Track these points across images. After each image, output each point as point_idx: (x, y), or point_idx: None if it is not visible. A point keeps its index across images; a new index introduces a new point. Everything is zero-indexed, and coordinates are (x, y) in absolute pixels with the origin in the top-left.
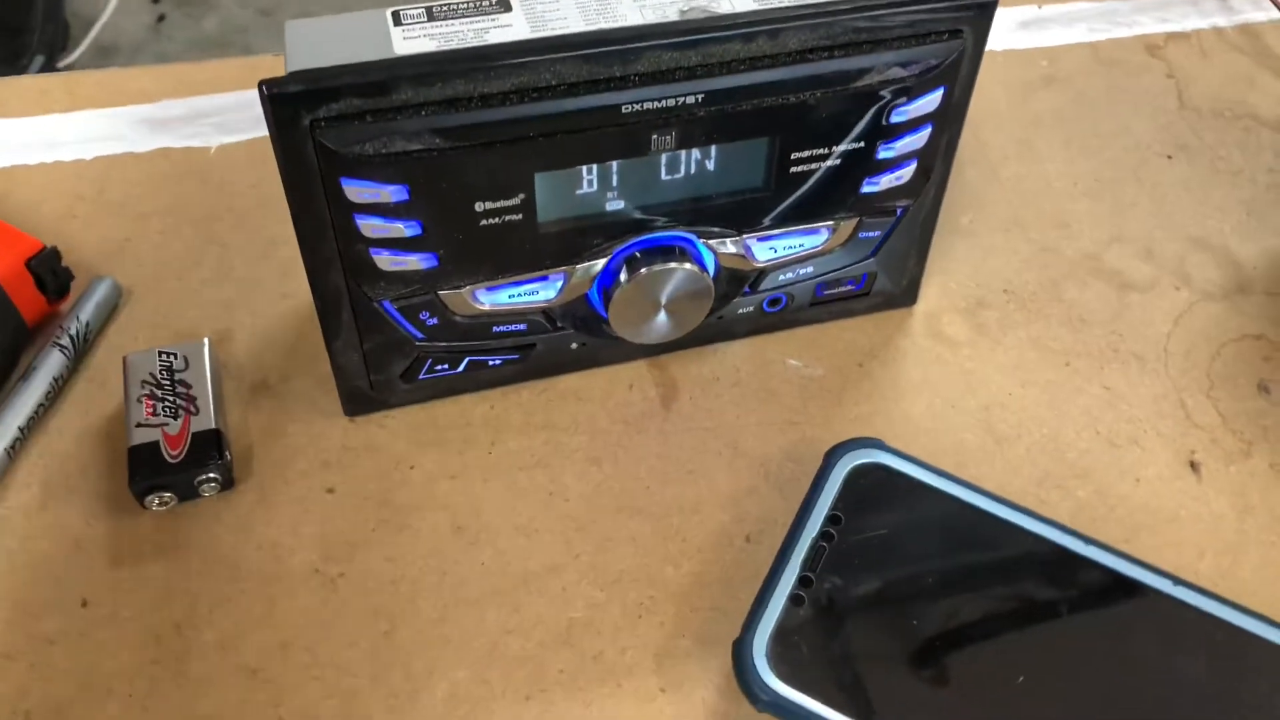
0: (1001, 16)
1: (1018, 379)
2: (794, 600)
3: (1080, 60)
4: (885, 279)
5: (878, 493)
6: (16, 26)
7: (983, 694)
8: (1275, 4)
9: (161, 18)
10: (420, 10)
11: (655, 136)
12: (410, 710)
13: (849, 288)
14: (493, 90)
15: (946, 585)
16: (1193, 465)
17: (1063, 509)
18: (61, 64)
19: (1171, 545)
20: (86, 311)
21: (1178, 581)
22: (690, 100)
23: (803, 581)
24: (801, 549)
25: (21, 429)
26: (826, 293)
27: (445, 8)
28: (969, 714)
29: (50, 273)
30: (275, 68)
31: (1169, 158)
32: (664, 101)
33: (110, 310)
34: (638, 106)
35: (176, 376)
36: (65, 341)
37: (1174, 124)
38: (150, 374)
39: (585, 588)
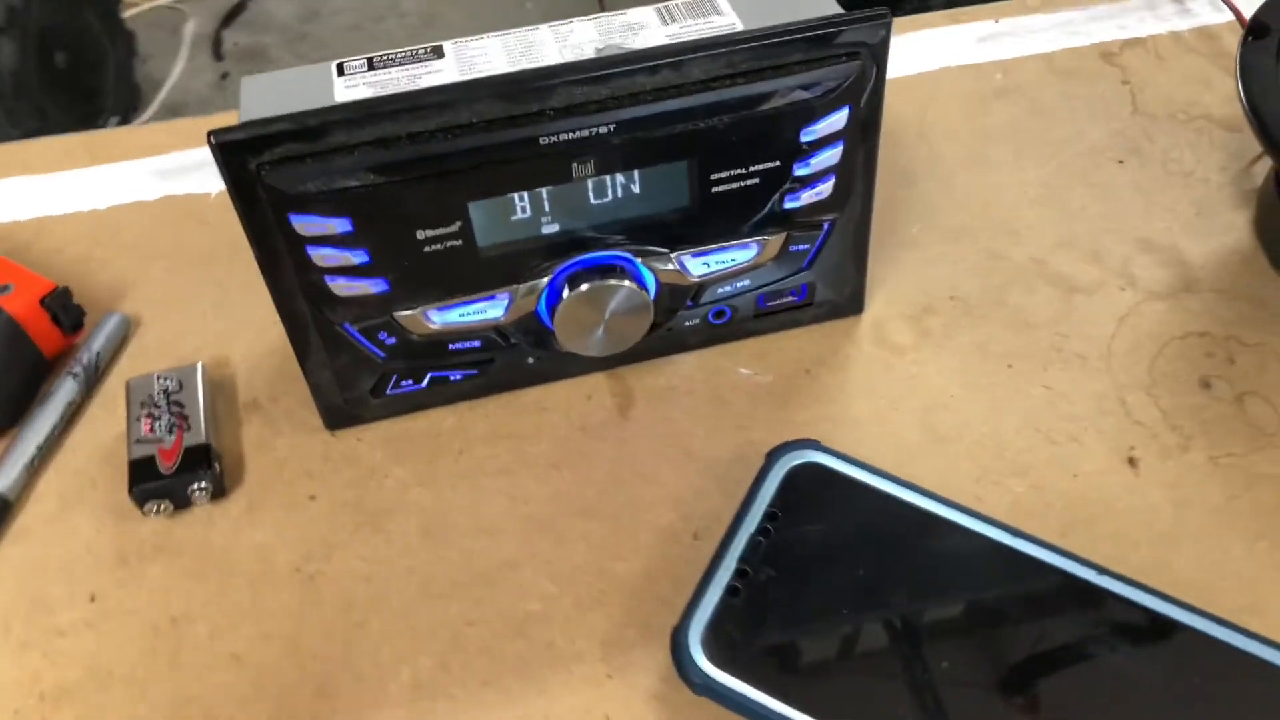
0: (958, 33)
1: (960, 381)
2: (730, 591)
3: (1035, 71)
4: (826, 289)
5: (814, 491)
6: (92, 89)
7: (907, 681)
8: (1229, 5)
9: (225, 75)
10: (362, 61)
11: (575, 165)
12: (377, 694)
13: (791, 299)
14: (419, 129)
15: (876, 578)
16: (1131, 461)
17: (1000, 505)
18: (135, 123)
19: (1107, 538)
20: (98, 343)
21: (1102, 571)
22: (603, 130)
23: (739, 574)
24: (739, 544)
25: (39, 448)
26: (770, 304)
27: (384, 58)
28: (893, 700)
29: (63, 309)
30: None
31: (1120, 162)
32: (579, 132)
33: (120, 341)
34: (554, 138)
35: (172, 398)
36: (78, 370)
37: (1127, 129)
38: (149, 396)
39: (540, 582)
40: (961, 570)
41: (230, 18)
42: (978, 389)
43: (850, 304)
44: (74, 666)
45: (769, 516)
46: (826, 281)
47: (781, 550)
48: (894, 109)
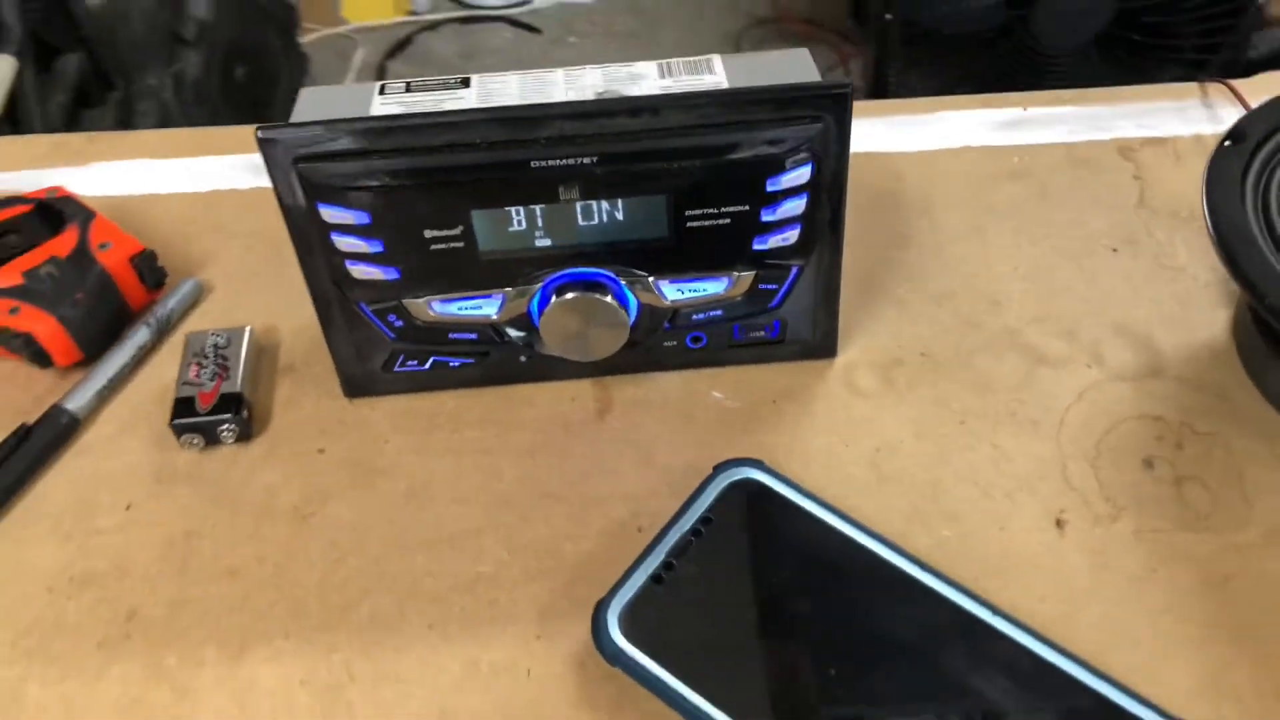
0: (986, 116)
1: (913, 430)
2: (654, 579)
3: (1053, 159)
4: (798, 329)
5: (748, 504)
6: (263, 102)
7: (795, 679)
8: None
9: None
10: (402, 84)
11: (561, 188)
12: (339, 620)
13: (765, 334)
14: (431, 144)
15: (786, 587)
16: (1059, 522)
17: (922, 544)
18: None
19: (1017, 587)
20: (173, 301)
21: (996, 611)
22: (587, 161)
23: (666, 565)
24: (671, 539)
25: (110, 381)
26: (745, 336)
27: (420, 84)
28: (776, 694)
29: (148, 269)
30: None
31: (1114, 250)
32: (565, 160)
33: (192, 302)
34: (544, 163)
35: (219, 351)
36: (152, 321)
37: (1128, 220)
38: (201, 348)
39: (497, 550)
40: (864, 592)
41: (396, 50)
42: (928, 439)
43: (823, 347)
44: (102, 559)
45: (703, 520)
46: (798, 322)
47: (707, 551)
48: (905, 180)
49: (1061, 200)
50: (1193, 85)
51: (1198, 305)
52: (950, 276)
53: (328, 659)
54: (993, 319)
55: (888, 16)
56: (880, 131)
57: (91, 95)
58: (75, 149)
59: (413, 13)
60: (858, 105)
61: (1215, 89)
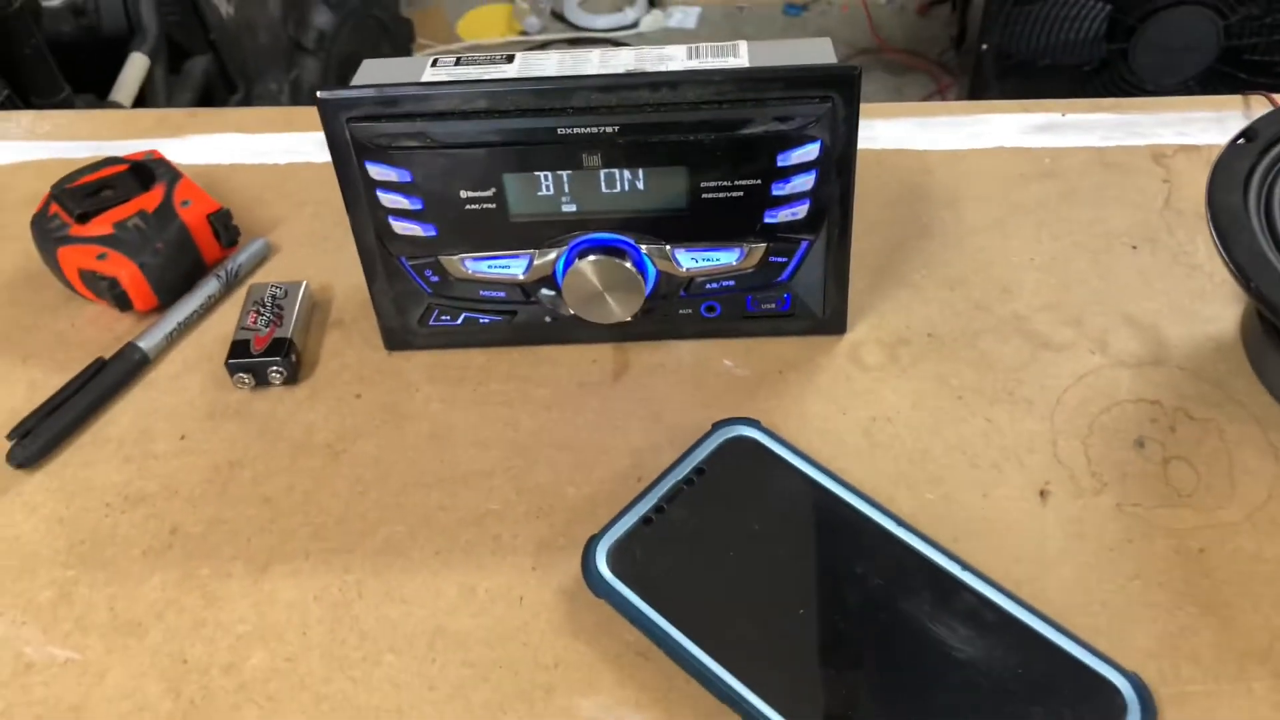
0: (1023, 120)
1: (910, 402)
2: (644, 521)
3: (1084, 161)
4: (808, 304)
5: (742, 459)
6: None
7: (765, 619)
8: None
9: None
10: (453, 58)
11: (585, 155)
12: (356, 543)
13: (776, 307)
14: (469, 109)
15: (768, 534)
16: (1042, 493)
17: (906, 505)
18: None
19: (993, 549)
20: (243, 257)
21: (966, 567)
22: (609, 130)
23: (657, 509)
24: (665, 486)
25: (180, 324)
26: (758, 308)
27: (468, 58)
28: (747, 630)
29: (223, 226)
30: None
31: (1134, 248)
32: (589, 129)
33: (260, 260)
34: (569, 131)
35: (276, 302)
36: (222, 274)
37: (1151, 220)
38: (261, 297)
39: (506, 491)
40: (841, 544)
41: None
42: (924, 410)
43: (832, 323)
44: (154, 481)
45: (697, 470)
46: (808, 297)
47: (698, 499)
48: (934, 174)
49: (1087, 200)
50: (1236, 97)
51: (1210, 301)
52: (966, 264)
53: (341, 578)
54: (1002, 305)
55: (984, 47)
56: (915, 131)
57: (215, 96)
58: (176, 123)
59: (523, 33)
60: (896, 105)
61: (1258, 100)
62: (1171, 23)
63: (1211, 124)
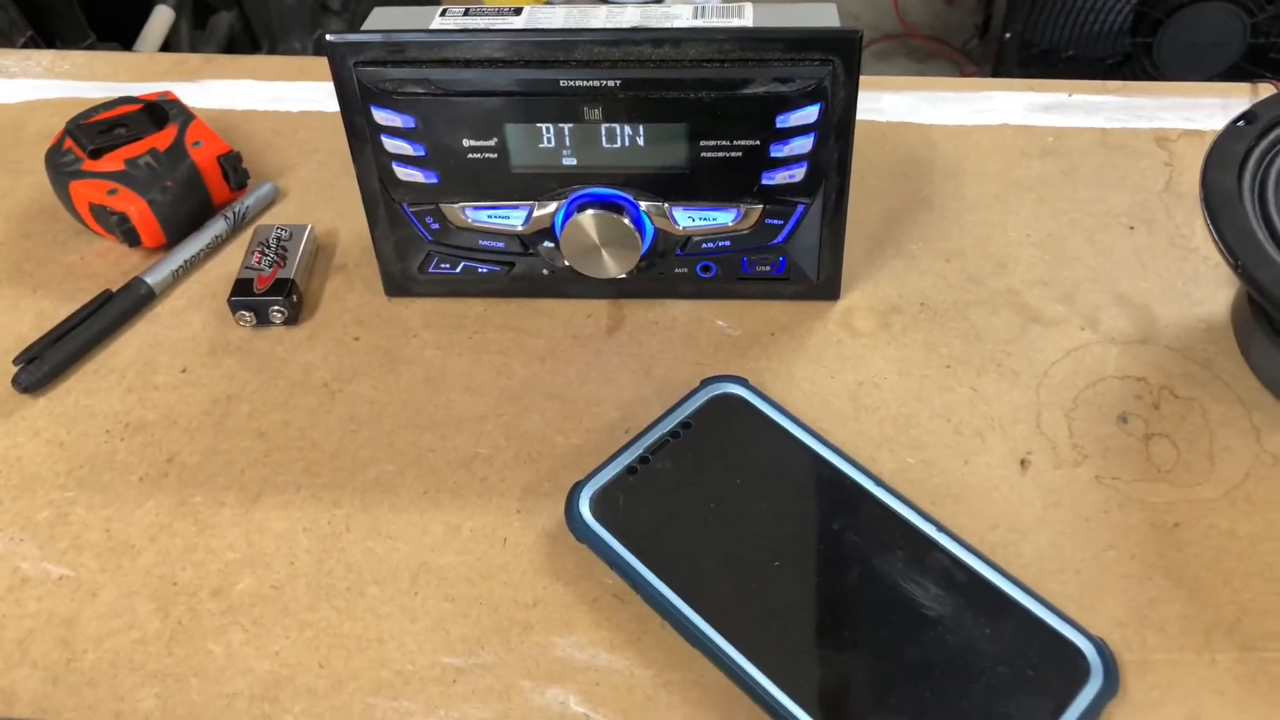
0: (1029, 99)
1: (898, 369)
2: (629, 470)
3: (1087, 142)
4: (802, 269)
5: (727, 415)
6: None
7: (741, 569)
8: None
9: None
10: (461, 9)
11: (586, 108)
12: (347, 479)
13: (771, 270)
14: (472, 58)
15: (747, 488)
16: (1023, 463)
17: (886, 467)
18: None
19: (971, 514)
20: (251, 199)
21: (941, 528)
22: (610, 84)
23: (641, 459)
24: (650, 438)
25: (186, 262)
26: (754, 270)
27: (477, 9)
28: (719, 578)
29: (233, 169)
30: None
31: (1131, 228)
32: (590, 82)
33: (268, 203)
34: (571, 83)
35: (281, 243)
36: (230, 215)
37: (1149, 202)
38: (266, 238)
39: (495, 436)
40: (819, 501)
41: None
42: (910, 377)
43: (826, 289)
44: (154, 411)
45: (683, 424)
46: (803, 262)
47: (682, 451)
48: (938, 148)
49: (1087, 179)
50: (1244, 85)
51: (1202, 283)
52: (964, 238)
53: (330, 512)
54: (996, 279)
55: (1006, 35)
56: (921, 105)
57: (238, 53)
58: (193, 67)
59: (549, 2)
60: (903, 79)
61: (1266, 88)
62: (1198, 18)
63: (1218, 110)
